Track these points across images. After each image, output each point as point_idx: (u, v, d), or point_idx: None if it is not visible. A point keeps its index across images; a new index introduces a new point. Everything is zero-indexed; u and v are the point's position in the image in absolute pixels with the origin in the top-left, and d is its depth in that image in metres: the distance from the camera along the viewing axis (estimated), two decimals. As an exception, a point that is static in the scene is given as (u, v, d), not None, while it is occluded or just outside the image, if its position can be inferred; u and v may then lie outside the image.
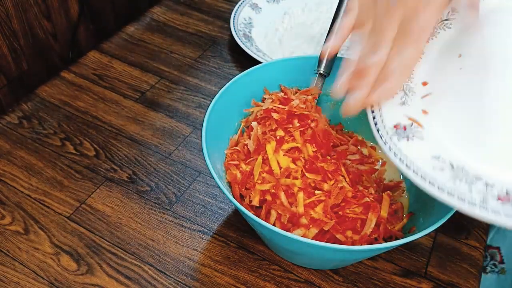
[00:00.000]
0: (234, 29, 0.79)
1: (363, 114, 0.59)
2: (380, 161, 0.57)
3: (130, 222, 0.55)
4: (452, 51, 0.44)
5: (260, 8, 0.87)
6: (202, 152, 0.46)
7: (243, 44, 0.76)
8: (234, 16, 0.82)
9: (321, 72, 0.55)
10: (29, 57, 0.72)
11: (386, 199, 0.48)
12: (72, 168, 0.61)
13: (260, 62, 0.73)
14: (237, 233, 0.55)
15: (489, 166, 0.38)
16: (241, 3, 0.85)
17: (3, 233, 0.53)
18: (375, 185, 0.52)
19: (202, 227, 0.55)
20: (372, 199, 0.48)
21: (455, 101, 0.42)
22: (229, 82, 0.53)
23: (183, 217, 0.56)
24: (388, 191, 0.50)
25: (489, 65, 0.41)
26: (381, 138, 0.43)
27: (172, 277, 0.51)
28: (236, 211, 0.57)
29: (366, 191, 0.49)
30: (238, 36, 0.78)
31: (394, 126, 0.43)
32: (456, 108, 0.42)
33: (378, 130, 0.44)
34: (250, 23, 0.84)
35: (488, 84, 0.41)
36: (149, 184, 0.60)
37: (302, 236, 0.44)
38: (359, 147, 0.58)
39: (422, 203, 0.50)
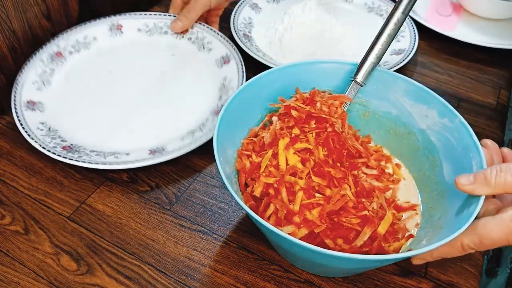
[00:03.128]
0: (234, 29, 0.79)
1: (392, 129, 0.59)
2: (402, 181, 0.56)
3: (130, 222, 0.55)
4: None
5: (260, 8, 0.87)
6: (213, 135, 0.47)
7: (243, 44, 0.76)
8: (234, 16, 0.82)
9: (357, 80, 0.55)
10: (29, 57, 0.72)
11: (388, 217, 0.47)
12: (72, 168, 0.61)
13: (260, 62, 0.73)
14: (237, 233, 0.55)
15: None
16: (241, 3, 0.85)
17: (3, 233, 0.53)
18: (383, 202, 0.50)
19: (202, 227, 0.55)
20: (372, 213, 0.47)
21: None
22: (260, 74, 0.54)
23: (183, 217, 0.56)
24: (394, 211, 0.49)
25: None
26: None
27: (172, 277, 0.51)
28: (236, 211, 0.57)
29: (368, 204, 0.48)
30: (238, 36, 0.78)
31: None
32: None
33: None
34: (250, 23, 0.84)
35: None
36: (149, 184, 0.60)
37: (291, 235, 0.44)
38: (382, 163, 0.57)
39: (431, 228, 0.49)
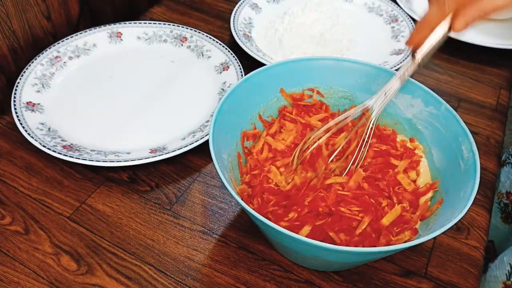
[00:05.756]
0: (234, 29, 0.79)
1: (379, 120, 0.58)
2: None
3: (130, 222, 0.55)
4: None
5: (260, 8, 0.87)
6: (209, 139, 0.47)
7: (243, 44, 0.76)
8: (234, 16, 0.82)
9: (416, 58, 0.51)
10: (29, 57, 0.72)
11: (396, 210, 0.48)
12: (72, 168, 0.61)
13: (260, 62, 0.73)
14: (237, 233, 0.55)
15: None
16: (241, 3, 0.85)
17: (3, 233, 0.53)
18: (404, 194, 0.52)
19: (202, 227, 0.55)
20: (376, 202, 0.48)
21: None
22: (247, 76, 0.54)
23: (183, 217, 0.56)
24: (404, 204, 0.50)
25: None
26: None
27: (172, 277, 0.51)
28: (236, 211, 0.57)
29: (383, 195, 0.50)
30: (238, 36, 0.78)
31: None
32: None
33: None
34: (250, 23, 0.84)
35: None
36: (149, 184, 0.60)
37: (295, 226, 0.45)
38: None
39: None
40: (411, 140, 0.57)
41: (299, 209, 0.47)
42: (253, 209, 0.47)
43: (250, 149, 0.56)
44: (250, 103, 0.56)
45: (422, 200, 0.51)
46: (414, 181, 0.53)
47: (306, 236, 0.45)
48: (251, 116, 0.57)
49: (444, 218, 0.45)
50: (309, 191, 0.49)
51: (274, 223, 0.46)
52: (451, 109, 0.52)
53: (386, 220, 0.47)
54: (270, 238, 0.49)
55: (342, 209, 0.47)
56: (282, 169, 0.53)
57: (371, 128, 0.53)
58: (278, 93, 0.58)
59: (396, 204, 0.49)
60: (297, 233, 0.45)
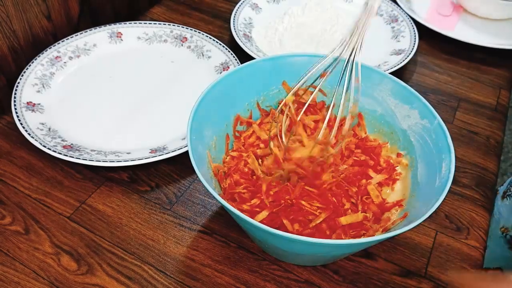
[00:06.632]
0: (234, 29, 0.79)
1: (376, 127, 0.58)
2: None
3: (130, 222, 0.55)
4: None
5: (260, 8, 0.87)
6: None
7: (243, 44, 0.76)
8: (234, 16, 0.82)
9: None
10: (29, 57, 0.72)
11: (358, 216, 0.48)
12: (72, 168, 0.61)
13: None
14: (237, 233, 0.55)
15: None
16: (241, 3, 0.85)
17: (3, 233, 0.53)
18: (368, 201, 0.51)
19: (202, 227, 0.55)
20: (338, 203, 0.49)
21: None
22: (227, 72, 0.54)
23: (183, 217, 0.56)
24: (367, 214, 0.49)
25: None
26: None
27: (172, 277, 0.51)
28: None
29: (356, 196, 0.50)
30: (238, 36, 0.78)
31: None
32: None
33: None
34: (250, 23, 0.84)
35: None
36: (149, 184, 0.60)
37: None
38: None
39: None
40: (398, 155, 0.56)
41: (262, 197, 0.48)
42: (224, 188, 0.50)
43: (241, 133, 0.57)
44: (249, 89, 0.57)
45: (386, 215, 0.51)
46: (384, 200, 0.52)
47: (262, 222, 0.45)
48: (247, 103, 0.57)
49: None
50: (277, 184, 0.50)
51: (238, 204, 0.48)
52: (443, 124, 0.51)
53: (344, 220, 0.47)
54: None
55: (303, 202, 0.48)
56: (260, 161, 0.54)
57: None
58: (280, 84, 0.58)
59: (360, 212, 0.49)
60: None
